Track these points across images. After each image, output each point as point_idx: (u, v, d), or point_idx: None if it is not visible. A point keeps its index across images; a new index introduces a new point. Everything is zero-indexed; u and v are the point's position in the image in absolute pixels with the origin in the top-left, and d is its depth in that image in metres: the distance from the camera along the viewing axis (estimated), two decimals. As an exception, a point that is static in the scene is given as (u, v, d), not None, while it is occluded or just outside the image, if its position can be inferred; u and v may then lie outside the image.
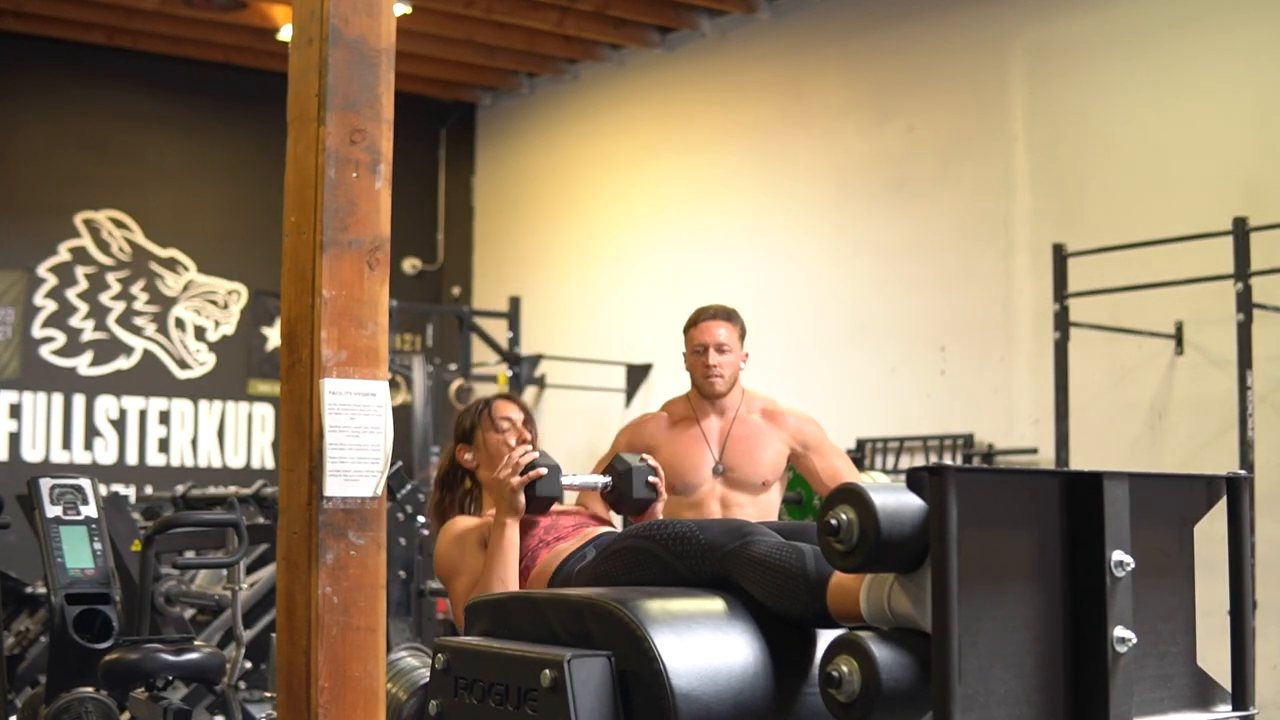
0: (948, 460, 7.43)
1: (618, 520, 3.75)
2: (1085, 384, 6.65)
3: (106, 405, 9.69)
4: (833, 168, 8.42)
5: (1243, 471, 2.38)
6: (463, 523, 3.46)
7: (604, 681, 2.37)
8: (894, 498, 2.13)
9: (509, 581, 3.22)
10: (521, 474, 3.24)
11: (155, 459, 9.79)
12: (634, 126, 9.85)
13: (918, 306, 7.82)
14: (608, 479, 3.45)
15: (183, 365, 10.01)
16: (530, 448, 3.34)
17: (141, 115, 10.01)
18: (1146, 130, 6.90)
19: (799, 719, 2.46)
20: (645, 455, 3.54)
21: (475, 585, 3.26)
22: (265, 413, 10.18)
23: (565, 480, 3.34)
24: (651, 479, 3.44)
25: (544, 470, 3.26)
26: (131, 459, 9.71)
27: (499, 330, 9.63)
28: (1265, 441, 5.96)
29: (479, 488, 3.59)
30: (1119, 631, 2.15)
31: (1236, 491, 2.36)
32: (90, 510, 4.27)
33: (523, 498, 3.24)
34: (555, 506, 3.40)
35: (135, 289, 9.89)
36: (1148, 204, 6.80)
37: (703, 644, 2.43)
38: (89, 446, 9.59)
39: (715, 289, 7.96)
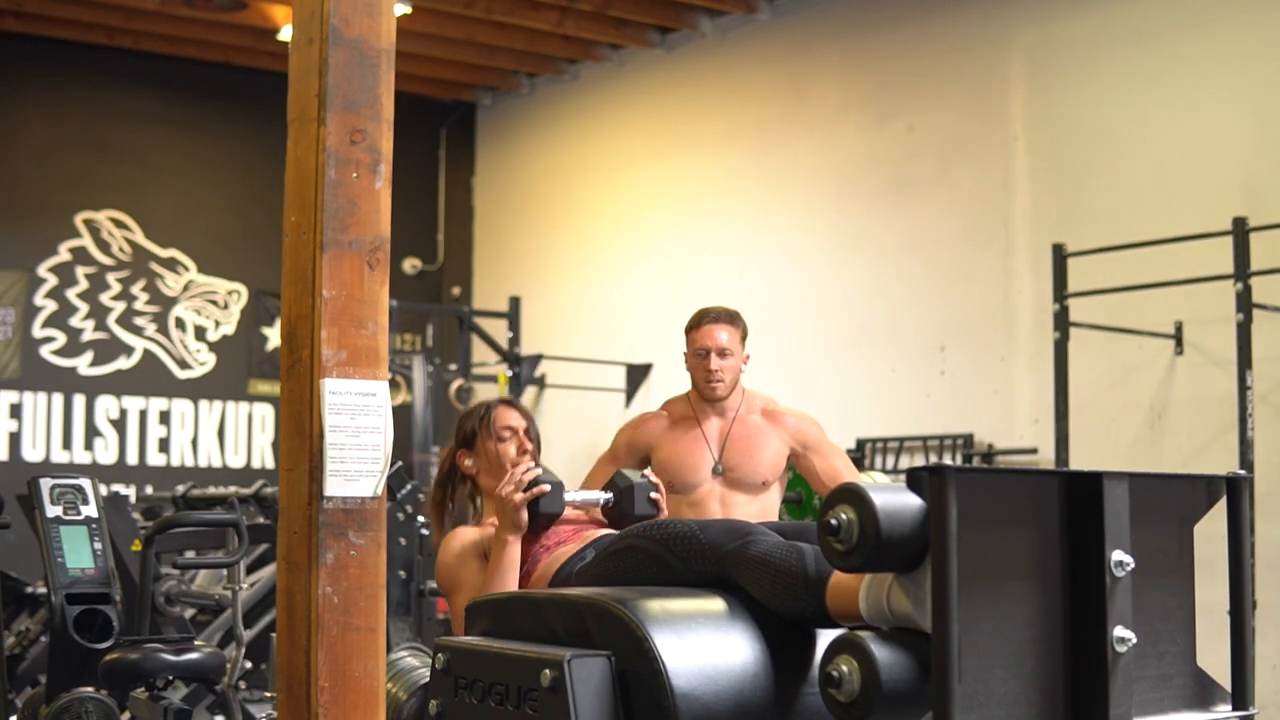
0: (947, 460, 7.43)
1: None
2: (1085, 384, 6.65)
3: (107, 405, 9.69)
4: (833, 168, 8.42)
5: (1242, 471, 2.38)
6: (465, 535, 3.42)
7: (604, 681, 2.38)
8: (894, 498, 2.13)
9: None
10: (524, 491, 3.22)
11: (155, 459, 9.79)
12: (634, 126, 9.85)
13: (917, 307, 7.82)
14: (609, 495, 3.41)
15: (183, 365, 10.01)
16: (533, 464, 3.32)
17: (141, 115, 10.01)
18: (1146, 130, 6.91)
19: (799, 719, 2.46)
20: (646, 471, 3.51)
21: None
22: (265, 413, 10.19)
23: (567, 497, 3.31)
24: (653, 495, 3.40)
25: (547, 487, 3.23)
26: (132, 459, 9.71)
27: (499, 330, 9.64)
28: (1265, 441, 5.96)
29: (479, 490, 3.58)
30: (1119, 631, 2.15)
31: (1236, 491, 2.36)
32: (90, 510, 4.27)
33: (525, 514, 3.21)
34: None
35: (135, 289, 9.89)
36: (1147, 204, 6.80)
37: (703, 644, 2.43)
38: (89, 446, 9.60)
39: (715, 289, 7.97)
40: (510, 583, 3.22)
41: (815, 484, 4.52)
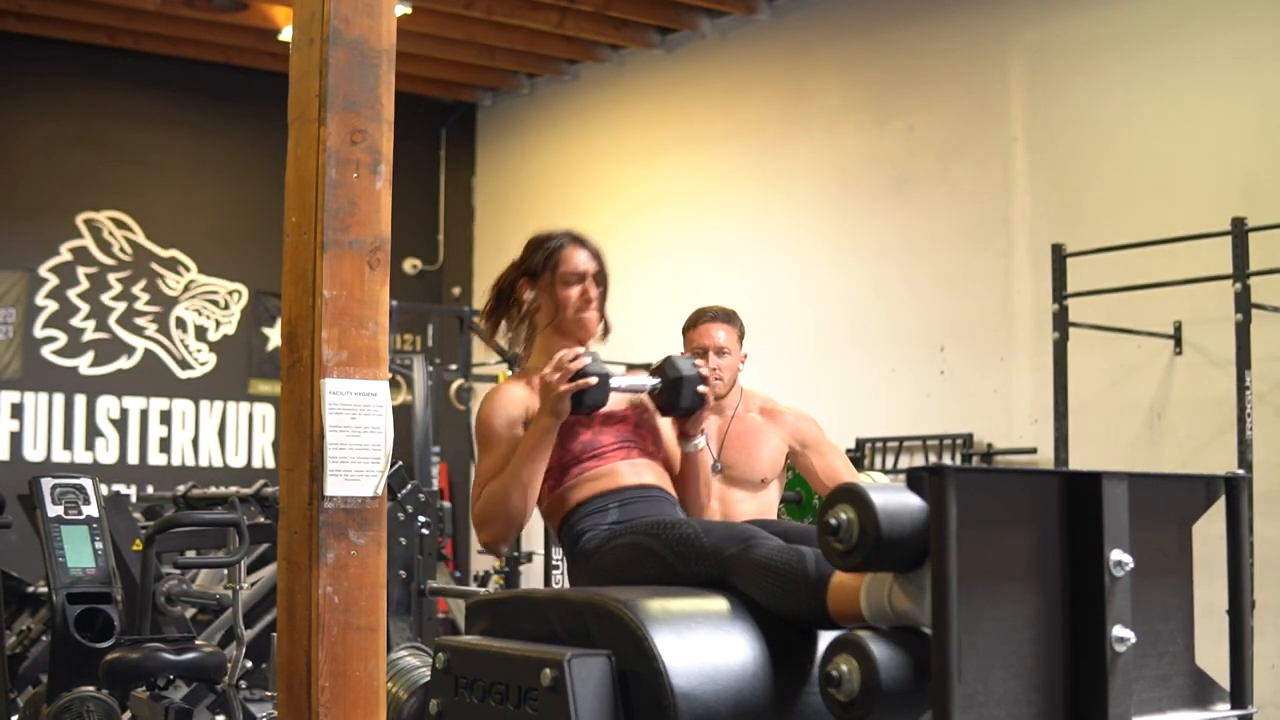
0: (947, 460, 7.43)
1: (665, 423, 3.49)
2: (1084, 384, 6.65)
3: (108, 405, 9.70)
4: (833, 168, 8.42)
5: (1241, 471, 2.39)
6: (513, 393, 3.28)
7: (604, 681, 2.38)
8: (894, 497, 2.13)
9: (532, 483, 3.15)
10: (570, 380, 3.16)
11: (156, 459, 9.79)
12: (634, 126, 9.85)
13: (917, 306, 7.82)
14: (656, 382, 3.36)
15: (184, 365, 10.01)
16: (581, 352, 3.24)
17: (142, 115, 10.02)
18: (1146, 130, 6.91)
19: (799, 718, 2.46)
20: (697, 361, 3.43)
21: (500, 470, 3.17)
22: (266, 413, 10.19)
23: (613, 382, 3.28)
24: (700, 389, 3.35)
25: (593, 380, 3.18)
26: (133, 459, 9.71)
27: (499, 330, 9.62)
28: (1264, 441, 5.96)
29: (534, 326, 3.46)
30: (1118, 631, 2.15)
31: (1235, 491, 2.37)
32: (91, 510, 4.28)
33: (568, 404, 3.16)
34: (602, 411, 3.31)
35: (136, 289, 9.90)
36: (1147, 204, 6.80)
37: (703, 644, 2.43)
38: (90, 446, 9.60)
39: (715, 289, 7.96)
40: (537, 470, 3.16)
41: (814, 483, 4.53)
